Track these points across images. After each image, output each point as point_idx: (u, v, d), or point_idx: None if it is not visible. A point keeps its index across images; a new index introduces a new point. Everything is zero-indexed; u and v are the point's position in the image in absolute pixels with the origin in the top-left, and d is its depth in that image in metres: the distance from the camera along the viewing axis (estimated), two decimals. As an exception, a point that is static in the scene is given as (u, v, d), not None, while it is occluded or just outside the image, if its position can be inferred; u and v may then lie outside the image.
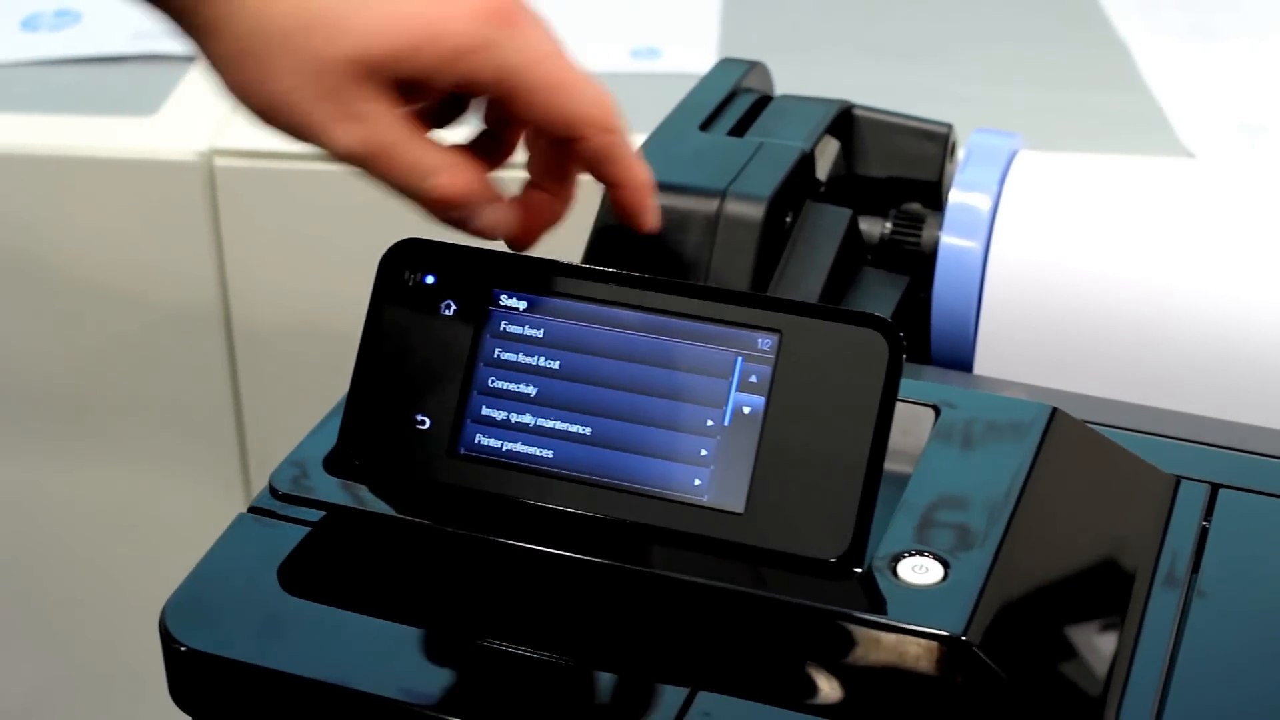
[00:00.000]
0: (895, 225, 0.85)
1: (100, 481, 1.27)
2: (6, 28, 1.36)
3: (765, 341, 0.63)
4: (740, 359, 0.62)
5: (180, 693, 0.63)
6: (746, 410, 0.62)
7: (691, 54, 1.30)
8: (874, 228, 0.86)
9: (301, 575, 0.64)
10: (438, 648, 0.62)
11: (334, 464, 0.65)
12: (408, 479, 0.64)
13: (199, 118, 1.20)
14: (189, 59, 1.30)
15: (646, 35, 1.34)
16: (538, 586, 0.62)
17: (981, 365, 0.82)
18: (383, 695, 0.59)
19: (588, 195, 0.76)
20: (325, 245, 1.19)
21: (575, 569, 0.61)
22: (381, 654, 0.62)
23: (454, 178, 0.67)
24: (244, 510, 0.67)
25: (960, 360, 0.83)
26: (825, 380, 0.62)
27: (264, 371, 1.23)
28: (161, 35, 1.30)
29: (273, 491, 0.65)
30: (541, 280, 0.65)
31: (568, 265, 0.65)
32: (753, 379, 0.62)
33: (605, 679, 0.60)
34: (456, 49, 0.66)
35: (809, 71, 1.02)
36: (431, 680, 0.61)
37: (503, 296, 0.65)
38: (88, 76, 1.30)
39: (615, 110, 0.68)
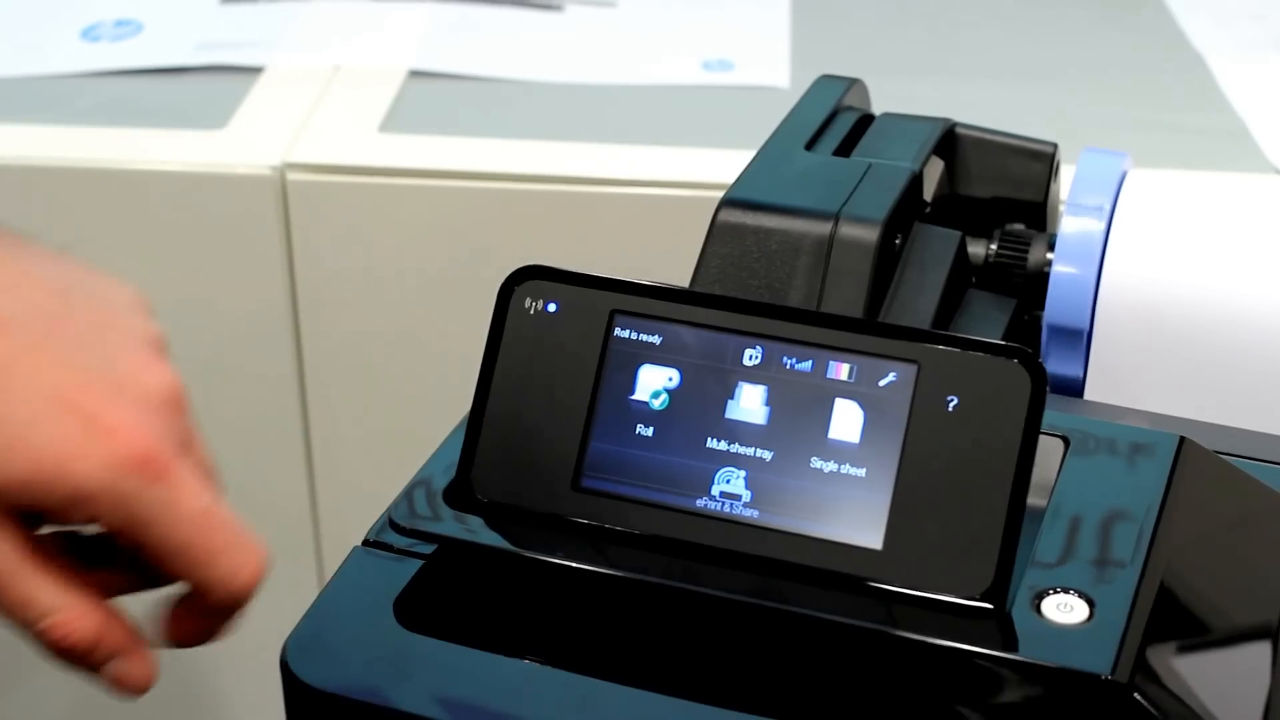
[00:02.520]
0: (1001, 246, 0.84)
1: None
2: (66, 37, 1.35)
3: (903, 373, 0.61)
4: (877, 391, 0.61)
5: (300, 730, 0.61)
6: (884, 444, 0.61)
7: (763, 67, 1.28)
8: (979, 249, 0.84)
9: (421, 610, 0.63)
10: (560, 686, 0.61)
11: (454, 497, 0.64)
12: (530, 513, 0.63)
13: (270, 131, 1.19)
14: (255, 70, 1.29)
15: (718, 48, 1.33)
16: (664, 623, 0.61)
17: (1092, 390, 0.80)
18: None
19: (697, 214, 0.75)
20: (396, 261, 1.17)
21: (703, 605, 0.60)
22: (503, 692, 0.60)
23: (70, 624, 0.62)
24: (359, 544, 0.65)
25: (1070, 386, 0.81)
26: (965, 412, 0.60)
27: (333, 387, 1.22)
28: (225, 46, 1.29)
29: (392, 525, 0.63)
30: (666, 309, 0.63)
31: (693, 293, 0.64)
32: (890, 412, 0.61)
33: (732, 719, 0.59)
34: (79, 492, 0.60)
35: (893, 86, 1.00)
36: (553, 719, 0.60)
37: (628, 327, 0.64)
38: (151, 88, 1.29)
39: (260, 575, 0.64)
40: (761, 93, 1.23)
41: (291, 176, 1.16)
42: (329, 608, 0.63)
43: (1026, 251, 0.84)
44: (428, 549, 0.65)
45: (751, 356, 0.63)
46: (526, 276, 0.66)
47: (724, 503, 0.62)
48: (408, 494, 0.65)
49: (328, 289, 1.19)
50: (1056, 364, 0.81)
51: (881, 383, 0.62)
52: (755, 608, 0.60)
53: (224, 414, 1.23)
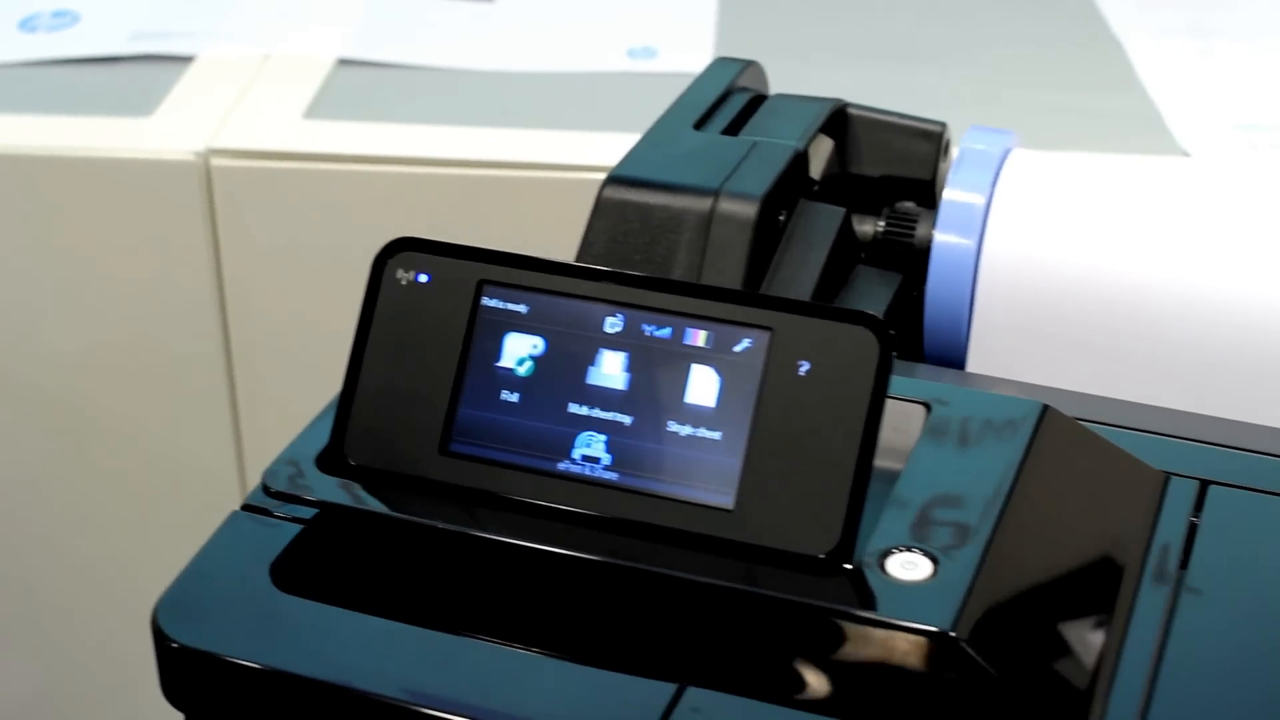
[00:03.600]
0: (889, 223, 0.86)
1: (95, 481, 1.27)
2: (4, 28, 1.36)
3: (757, 339, 0.63)
4: (732, 357, 0.63)
5: (172, 690, 0.63)
6: (737, 407, 0.62)
7: (688, 54, 1.30)
8: (868, 226, 0.86)
9: (295, 573, 0.64)
10: (428, 645, 0.62)
11: (327, 462, 0.65)
12: (400, 477, 0.65)
13: (196, 118, 1.21)
14: (187, 59, 1.30)
15: (644, 36, 1.35)
16: (527, 583, 0.63)
17: (974, 363, 0.82)
18: (373, 692, 0.60)
19: (581, 196, 0.76)
20: (321, 245, 1.19)
21: (564, 565, 0.62)
22: (373, 651, 0.62)
23: None
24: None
25: (953, 358, 0.83)
26: (816, 377, 0.62)
27: (260, 370, 1.23)
28: (159, 36, 1.30)
29: (265, 489, 0.65)
30: (532, 279, 0.65)
31: (560, 264, 0.66)
32: (744, 377, 0.63)
33: (594, 675, 0.60)
34: None
35: (805, 72, 1.02)
36: (422, 677, 0.61)
37: (495, 296, 0.65)
38: (86, 77, 1.31)
39: None
40: (684, 79, 1.24)
41: (215, 162, 1.18)
42: (202, 569, 0.65)
43: (914, 228, 0.86)
44: (304, 513, 0.66)
45: (613, 324, 0.65)
46: (399, 249, 0.67)
47: (585, 466, 0.64)
48: (282, 460, 0.66)
49: (254, 273, 1.21)
50: (937, 336, 0.83)
51: (736, 348, 0.63)
52: (611, 567, 0.62)
53: (152, 397, 1.25)
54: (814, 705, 0.59)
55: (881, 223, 0.87)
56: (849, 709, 0.59)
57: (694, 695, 0.59)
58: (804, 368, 0.63)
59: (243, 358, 1.24)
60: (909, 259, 0.86)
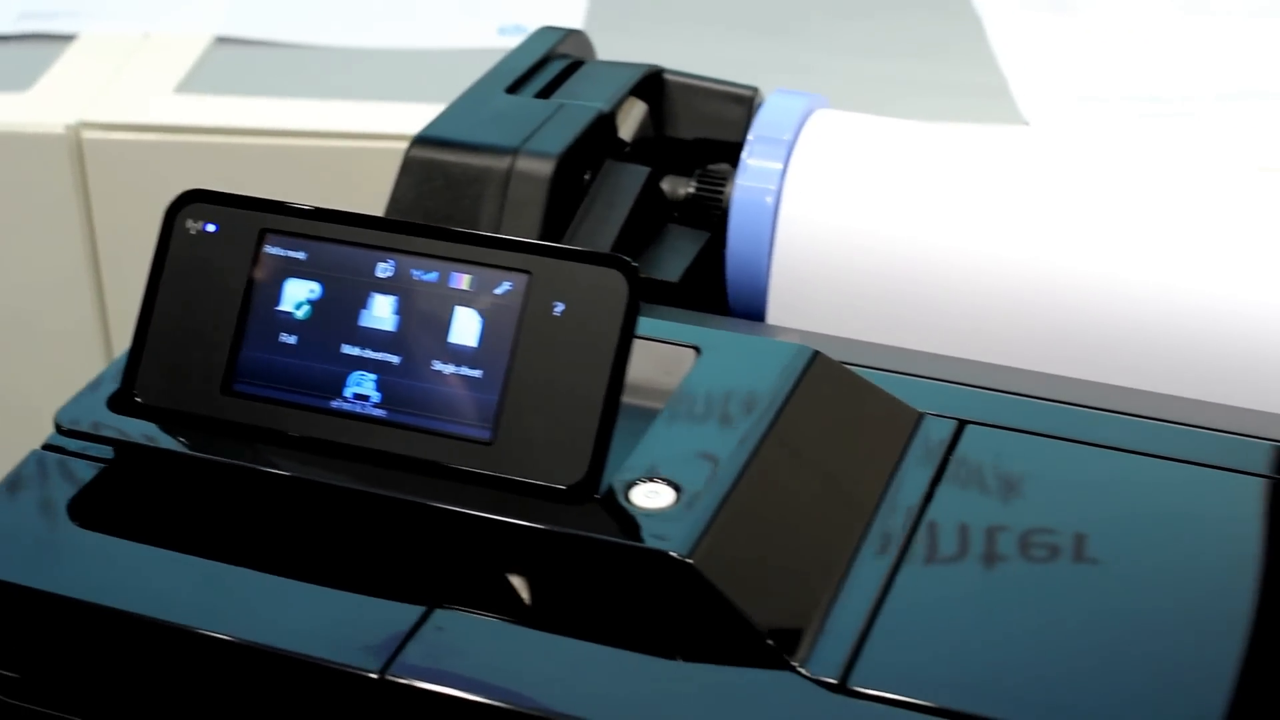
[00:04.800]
0: (699, 183, 0.89)
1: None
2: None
3: (516, 282, 0.66)
4: (491, 298, 0.66)
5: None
6: (497, 347, 0.66)
7: (555, 30, 1.33)
8: (681, 187, 0.90)
9: (84, 507, 0.68)
10: (204, 573, 0.66)
11: (118, 402, 0.69)
12: (185, 415, 0.68)
13: (70, 93, 1.23)
14: (70, 38, 1.33)
15: (514, 13, 1.38)
16: (302, 513, 0.66)
17: (774, 315, 0.86)
18: (149, 616, 0.63)
19: (388, 161, 0.80)
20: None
21: (333, 496, 0.65)
22: (157, 580, 0.65)
23: None
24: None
25: (755, 310, 0.86)
26: (570, 317, 0.65)
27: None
28: (44, 15, 1.33)
29: (58, 428, 0.68)
30: (313, 228, 0.68)
31: (337, 213, 0.69)
32: (502, 317, 0.66)
33: (351, 598, 0.64)
34: None
35: (674, 47, 1.05)
36: (195, 602, 0.65)
37: (277, 244, 0.69)
38: (-31, 56, 1.34)
39: None
40: (551, 55, 1.27)
41: (86, 135, 1.21)
42: (-5, 504, 0.68)
43: (723, 188, 0.89)
44: (101, 452, 0.70)
45: (384, 269, 0.68)
46: (188, 200, 0.71)
47: (356, 403, 0.67)
48: (76, 400, 0.70)
49: (127, 245, 1.24)
50: (738, 289, 0.87)
51: (497, 291, 0.67)
52: (374, 497, 0.65)
53: (27, 370, 1.28)
54: (552, 625, 0.63)
55: (693, 183, 0.90)
56: (585, 629, 0.62)
57: (441, 616, 0.63)
58: (559, 308, 0.66)
59: (120, 328, 1.27)
60: (718, 217, 0.89)
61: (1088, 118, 1.20)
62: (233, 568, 0.66)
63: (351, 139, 1.22)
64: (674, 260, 0.86)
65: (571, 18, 1.38)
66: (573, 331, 0.66)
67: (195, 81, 1.28)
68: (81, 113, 1.22)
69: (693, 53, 1.04)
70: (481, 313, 0.67)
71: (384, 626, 0.63)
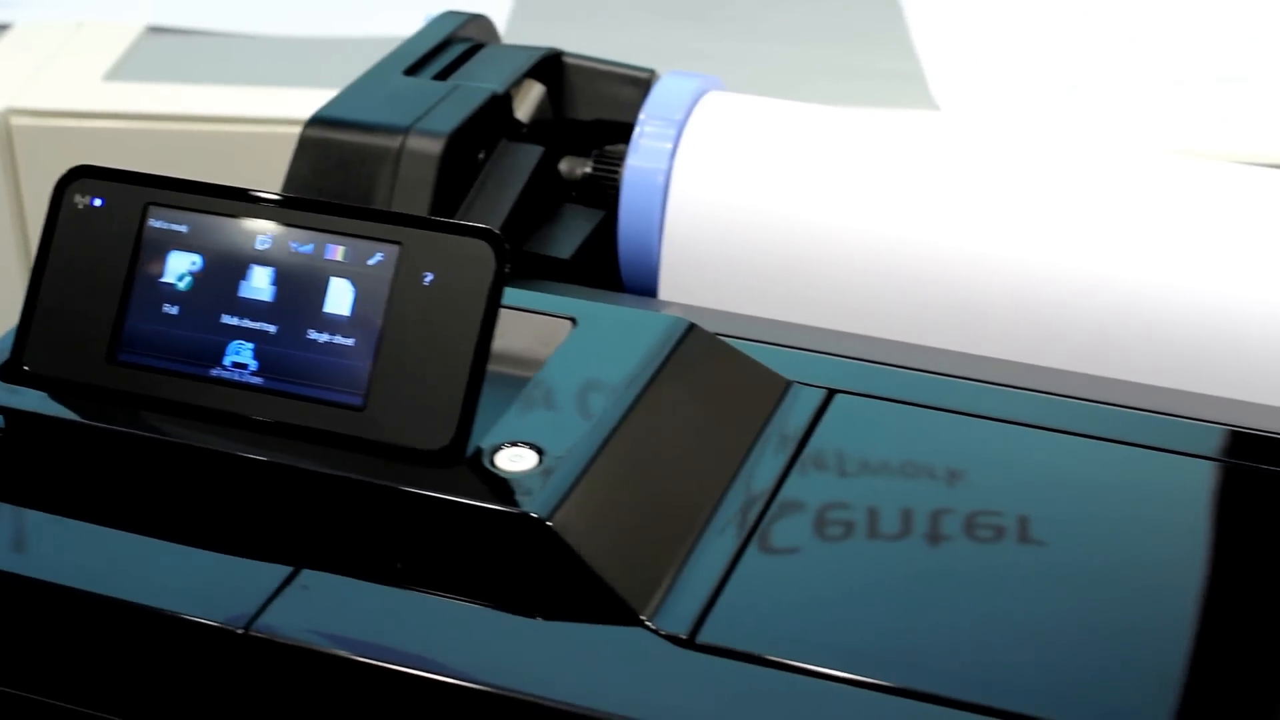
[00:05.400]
0: (596, 164, 0.91)
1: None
2: None
3: (388, 253, 0.68)
4: (365, 270, 0.68)
5: None
6: (369, 316, 0.68)
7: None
8: (579, 167, 0.92)
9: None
10: (82, 535, 0.68)
11: (6, 371, 0.71)
12: (72, 384, 0.70)
13: (1, 81, 1.25)
14: (5, 27, 1.35)
15: (444, 0, 1.39)
16: (179, 478, 0.68)
17: (666, 291, 0.88)
18: (30, 576, 0.65)
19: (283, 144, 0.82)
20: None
21: (210, 461, 0.67)
22: (39, 542, 0.67)
23: None
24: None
25: (647, 286, 0.88)
26: (439, 287, 0.67)
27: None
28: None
29: (-55, 397, 0.70)
30: (195, 201, 0.70)
31: (218, 187, 0.71)
32: (374, 287, 0.68)
33: (222, 559, 0.66)
34: None
35: (598, 35, 1.07)
36: (69, 561, 0.67)
37: (160, 218, 0.71)
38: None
39: None
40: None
41: (15, 121, 1.23)
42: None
43: (619, 168, 0.91)
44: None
45: (262, 241, 0.70)
46: (77, 176, 0.73)
47: (234, 371, 0.69)
48: (-35, 370, 0.72)
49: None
50: (630, 266, 0.89)
51: (370, 262, 0.69)
52: (252, 462, 0.67)
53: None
54: (415, 584, 0.65)
55: (590, 164, 0.92)
56: (447, 587, 0.64)
57: (307, 576, 0.65)
58: (428, 278, 0.68)
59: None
60: (614, 197, 0.91)
61: (1001, 103, 1.23)
62: (113, 530, 0.68)
63: (276, 124, 1.24)
64: (567, 238, 0.88)
65: (498, 3, 1.40)
66: (441, 300, 0.68)
67: (125, 69, 1.30)
68: (11, 100, 1.24)
69: (616, 40, 1.06)
70: (354, 283, 0.69)
71: (252, 586, 0.65)
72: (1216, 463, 0.72)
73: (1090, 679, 0.61)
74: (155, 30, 1.35)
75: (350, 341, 0.68)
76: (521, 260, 0.87)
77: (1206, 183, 0.83)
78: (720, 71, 0.96)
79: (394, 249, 0.68)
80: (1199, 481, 0.71)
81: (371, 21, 1.36)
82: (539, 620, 0.63)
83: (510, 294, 0.73)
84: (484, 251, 0.68)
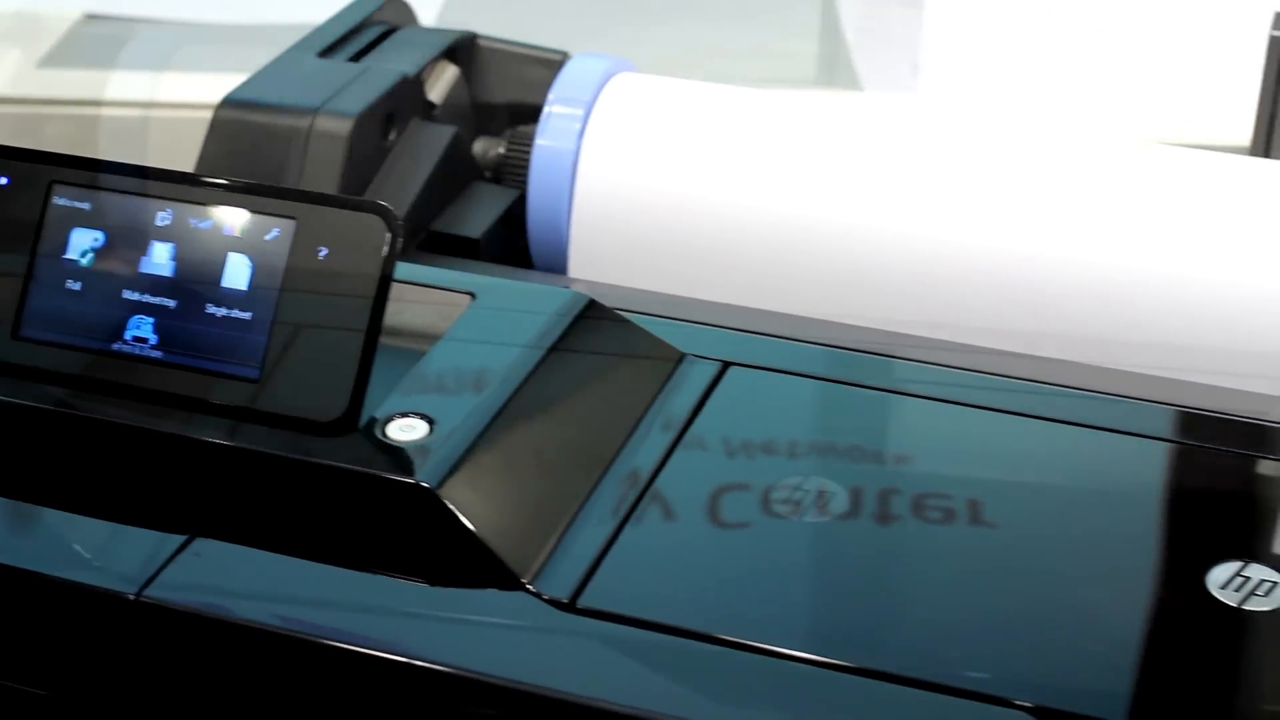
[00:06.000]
0: (509, 145, 0.93)
1: None
2: None
3: (284, 228, 0.70)
4: (262, 245, 0.70)
5: None
6: (265, 290, 0.69)
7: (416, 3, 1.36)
8: (493, 148, 0.93)
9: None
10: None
11: (-87, 348, 0.72)
12: (-23, 360, 0.71)
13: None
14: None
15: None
16: (80, 451, 0.69)
17: (574, 269, 0.89)
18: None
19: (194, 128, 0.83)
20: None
21: (109, 433, 0.69)
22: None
23: None
24: None
25: (558, 265, 0.90)
26: (333, 261, 0.69)
27: None
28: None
29: None
30: (98, 179, 0.72)
31: (120, 165, 0.72)
32: (272, 262, 0.70)
33: (120, 529, 0.67)
34: None
35: (529, 20, 1.08)
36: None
37: (64, 195, 0.72)
38: None
39: None
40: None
41: None
42: None
43: (530, 148, 0.93)
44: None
45: (163, 218, 0.72)
46: (-19, 155, 0.74)
47: (135, 345, 0.71)
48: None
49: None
50: (541, 245, 0.90)
51: (267, 237, 0.70)
52: (150, 433, 0.69)
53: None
54: (306, 552, 0.66)
55: (504, 145, 0.93)
56: (337, 554, 0.66)
57: (200, 544, 0.67)
58: (323, 253, 0.70)
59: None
60: (526, 177, 0.93)
61: (917, 86, 1.24)
62: (13, 501, 0.69)
63: (203, 109, 1.25)
64: (478, 217, 0.90)
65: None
66: (335, 274, 0.69)
67: (60, 56, 1.31)
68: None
69: (553, 28, 1.07)
70: (251, 258, 0.70)
71: (146, 553, 0.66)
72: (1081, 427, 0.74)
73: (928, 632, 0.63)
74: (93, 18, 1.36)
75: (247, 315, 0.70)
76: (432, 239, 0.88)
77: (1088, 155, 0.85)
78: (644, 54, 0.98)
79: (290, 224, 0.70)
80: (1076, 446, 0.73)
81: (298, 9, 1.37)
82: (425, 586, 0.65)
83: (412, 269, 0.75)
84: (376, 225, 0.69)
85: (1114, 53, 1.28)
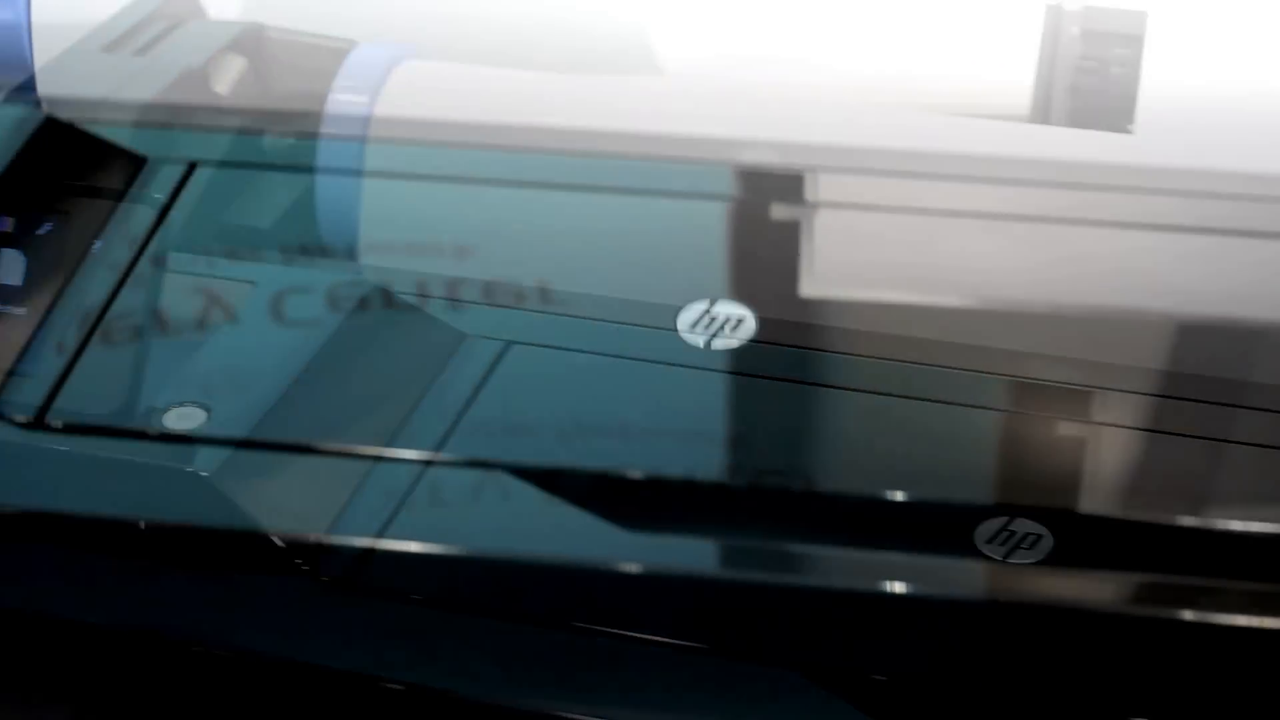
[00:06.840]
0: (296, 135, 0.93)
1: None
2: None
3: (56, 222, 0.70)
4: (37, 240, 0.70)
5: None
6: (43, 285, 0.70)
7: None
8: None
9: None
10: None
11: None
12: None
13: None
14: None
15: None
16: None
17: (366, 257, 0.90)
18: None
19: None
20: None
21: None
22: None
23: None
24: None
25: (349, 254, 0.90)
26: (105, 254, 0.69)
27: None
28: None
29: None
30: None
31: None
32: (48, 258, 0.70)
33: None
34: None
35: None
36: None
37: None
38: None
39: None
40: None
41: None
42: None
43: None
44: None
45: (-63, 216, 0.72)
46: None
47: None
48: None
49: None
50: (332, 234, 0.91)
51: (39, 232, 0.71)
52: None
53: None
54: (89, 542, 0.67)
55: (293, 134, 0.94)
56: (116, 543, 0.67)
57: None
58: (98, 246, 0.70)
59: None
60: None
61: (723, 71, 1.25)
62: None
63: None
64: (269, 208, 0.90)
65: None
66: (108, 268, 0.70)
67: None
68: None
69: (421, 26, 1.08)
70: (27, 254, 0.71)
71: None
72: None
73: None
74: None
75: (23, 311, 0.70)
76: (223, 230, 0.89)
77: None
78: (445, 36, 0.98)
79: (64, 218, 0.70)
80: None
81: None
82: (205, 573, 0.66)
83: (196, 261, 0.75)
84: (148, 217, 0.70)
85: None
